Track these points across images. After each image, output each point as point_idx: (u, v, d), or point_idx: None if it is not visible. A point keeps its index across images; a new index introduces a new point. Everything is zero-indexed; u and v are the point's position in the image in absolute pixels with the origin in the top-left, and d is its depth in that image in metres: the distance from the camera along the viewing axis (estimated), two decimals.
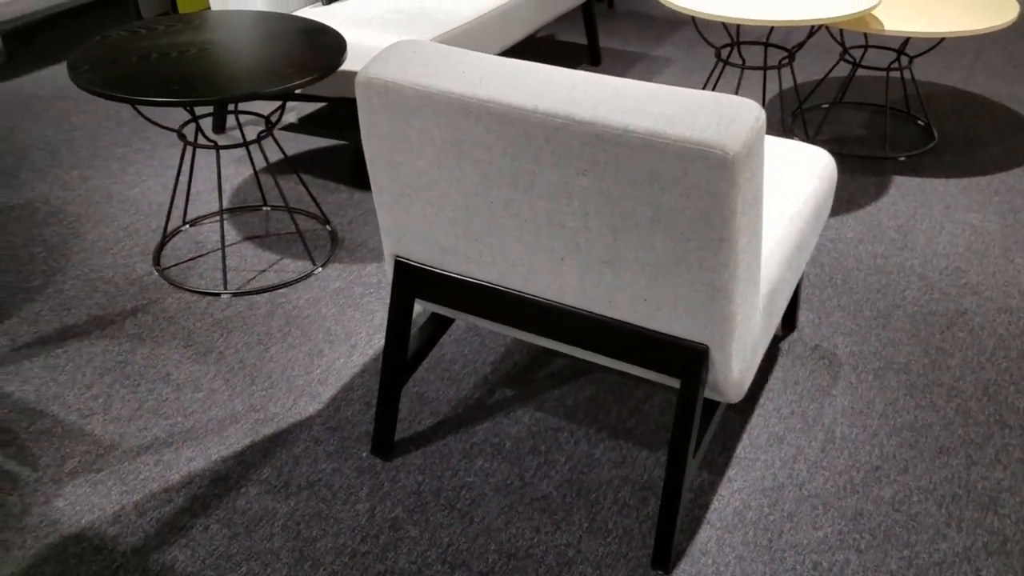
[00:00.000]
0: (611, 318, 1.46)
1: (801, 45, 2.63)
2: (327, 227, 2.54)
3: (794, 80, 2.83)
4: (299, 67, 2.06)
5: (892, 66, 2.73)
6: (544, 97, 1.31)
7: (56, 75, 3.52)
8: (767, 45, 2.74)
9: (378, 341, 2.10)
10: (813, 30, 2.58)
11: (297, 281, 2.31)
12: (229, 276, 2.31)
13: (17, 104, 3.28)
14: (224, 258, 2.26)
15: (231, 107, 3.10)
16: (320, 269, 2.36)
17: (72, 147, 2.96)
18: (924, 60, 3.59)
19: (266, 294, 2.26)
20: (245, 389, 1.95)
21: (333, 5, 2.78)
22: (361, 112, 1.48)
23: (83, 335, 2.10)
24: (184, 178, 2.76)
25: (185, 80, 1.99)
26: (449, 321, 1.88)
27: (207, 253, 2.41)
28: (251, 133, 3.08)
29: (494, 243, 1.50)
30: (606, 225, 1.36)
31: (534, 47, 3.86)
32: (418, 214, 1.55)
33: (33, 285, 2.27)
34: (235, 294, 2.25)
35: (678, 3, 2.49)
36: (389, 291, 2.25)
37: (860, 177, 2.77)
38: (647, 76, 3.53)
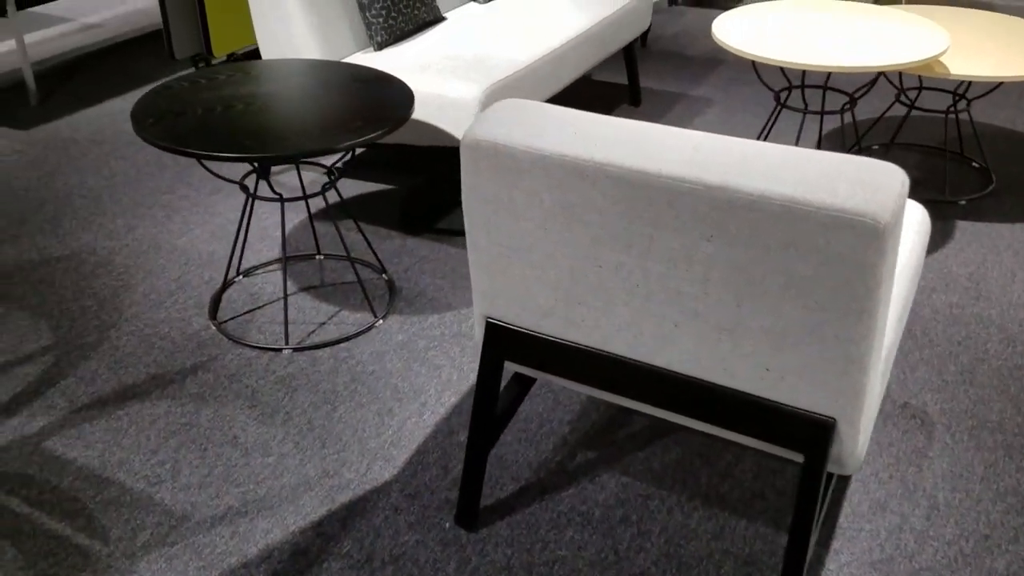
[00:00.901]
0: (727, 387, 1.39)
1: (866, 91, 2.59)
2: (383, 276, 2.47)
3: (854, 123, 2.78)
4: (368, 119, 2.01)
5: (951, 109, 2.69)
6: (668, 161, 1.25)
7: (92, 118, 3.48)
8: (826, 89, 2.69)
9: (448, 398, 2.03)
10: (877, 76, 2.54)
11: (359, 334, 2.24)
12: (288, 329, 2.24)
13: (54, 149, 3.23)
14: (286, 311, 2.19)
15: None
16: (381, 321, 2.29)
17: (114, 194, 2.91)
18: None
19: (328, 348, 2.19)
20: (316, 453, 1.87)
21: (386, 51, 2.73)
22: (465, 173, 1.42)
23: (143, 395, 2.03)
24: (234, 230, 2.70)
25: (254, 134, 1.93)
26: (532, 381, 1.81)
27: (264, 305, 2.35)
28: (306, 180, 3.03)
29: (599, 307, 1.43)
30: (729, 292, 1.29)
31: (572, 89, 3.82)
32: (517, 275, 1.48)
33: (87, 341, 2.20)
34: (297, 349, 2.18)
35: (745, 48, 2.45)
36: (453, 344, 2.18)
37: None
38: (688, 117, 3.49)
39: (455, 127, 2.49)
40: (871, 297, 1.19)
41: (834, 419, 1.33)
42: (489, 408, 1.64)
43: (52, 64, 4.08)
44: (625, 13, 3.23)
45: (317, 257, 2.56)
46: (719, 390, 1.40)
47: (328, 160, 2.95)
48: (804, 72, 2.63)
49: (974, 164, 3.06)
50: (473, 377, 2.10)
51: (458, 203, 2.85)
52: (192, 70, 3.97)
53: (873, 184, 1.16)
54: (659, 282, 1.34)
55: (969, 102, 2.79)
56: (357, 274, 2.28)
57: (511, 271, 1.49)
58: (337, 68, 2.32)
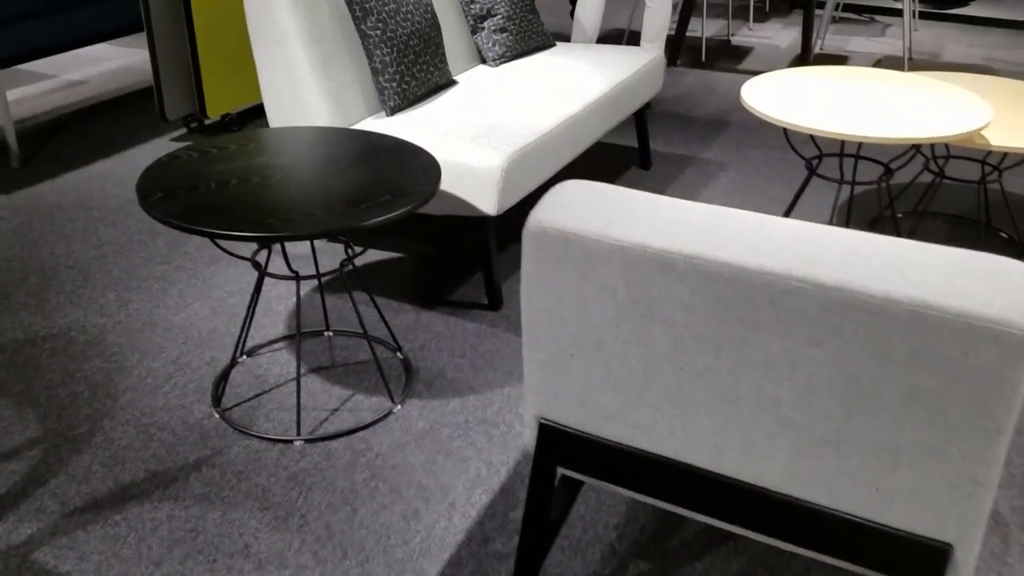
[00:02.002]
0: (826, 508, 1.23)
1: (907, 161, 2.49)
2: (398, 355, 2.31)
3: (889, 194, 2.68)
4: (396, 192, 1.86)
5: (985, 179, 2.61)
6: (771, 255, 1.11)
7: (78, 181, 3.30)
8: (858, 158, 2.59)
9: (479, 497, 1.85)
10: (914, 147, 2.44)
11: (376, 422, 2.06)
12: (300, 416, 2.06)
13: (38, 216, 3.04)
14: (299, 399, 2.01)
15: None
16: (399, 407, 2.11)
17: (104, 265, 2.72)
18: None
19: (343, 438, 2.01)
20: (338, 565, 1.68)
21: (399, 116, 2.60)
22: (526, 262, 1.27)
23: (143, 496, 1.83)
24: (235, 304, 2.53)
25: (275, 209, 1.77)
26: (580, 484, 1.65)
27: (271, 389, 2.16)
28: (316, 247, 2.87)
29: (676, 413, 1.28)
30: (837, 403, 1.14)
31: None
32: (579, 375, 1.33)
33: (79, 433, 2.00)
34: (309, 440, 1.99)
35: (779, 116, 2.34)
36: (479, 433, 2.01)
37: None
38: (703, 181, 3.38)
39: (475, 196, 2.35)
40: (1008, 415, 1.05)
41: (950, 545, 1.17)
42: (542, 519, 1.47)
43: (34, 123, 3.91)
44: (640, 76, 3.13)
45: (326, 334, 2.39)
46: (816, 510, 1.24)
47: None
48: (844, 143, 2.52)
49: (1002, 234, 2.97)
50: (504, 472, 1.92)
51: (472, 273, 2.70)
52: (184, 130, 3.82)
53: (1011, 287, 1.02)
54: (752, 389, 1.19)
55: (1001, 172, 2.71)
56: (374, 354, 2.11)
57: (572, 369, 1.33)
58: (356, 137, 2.18)
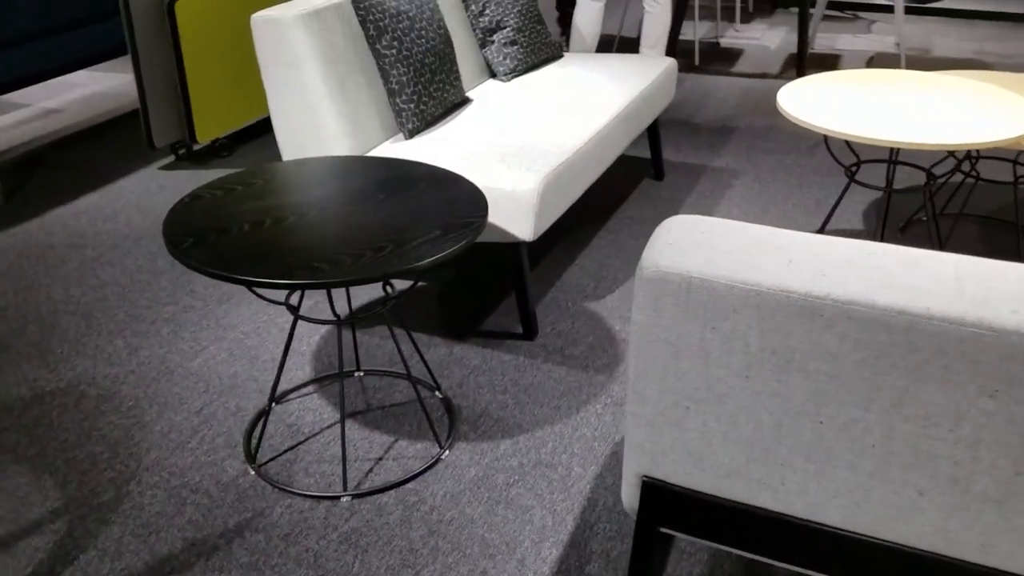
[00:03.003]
0: (977, 563, 1.12)
1: (952, 172, 2.40)
2: (437, 393, 2.17)
3: (932, 201, 2.59)
4: (446, 226, 1.72)
5: (1018, 180, 2.53)
6: (937, 296, 1.00)
7: (66, 217, 3.12)
8: (895, 163, 2.50)
9: (548, 551, 1.72)
10: (961, 155, 2.35)
11: (425, 471, 1.92)
12: (345, 468, 1.91)
13: (28, 257, 2.86)
14: (344, 450, 1.86)
15: None
16: (447, 452, 1.98)
17: (107, 309, 2.55)
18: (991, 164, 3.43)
19: (392, 491, 1.86)
20: None
21: (418, 139, 2.46)
22: (639, 312, 1.15)
23: (184, 569, 1.67)
24: (254, 346, 2.37)
25: (319, 252, 1.63)
26: (672, 538, 1.52)
27: (306, 440, 2.01)
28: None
29: (810, 469, 1.16)
30: (1007, 458, 1.03)
31: None
32: (695, 430, 1.20)
33: (104, 500, 1.84)
34: (357, 495, 1.85)
35: (820, 123, 2.24)
36: (538, 477, 1.87)
37: None
38: (719, 190, 3.28)
39: (510, 222, 2.21)
40: None
41: None
42: None
43: (13, 156, 3.70)
44: (657, 85, 3.02)
45: (357, 374, 2.24)
46: (965, 567, 1.12)
47: None
48: (891, 150, 2.43)
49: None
50: (571, 521, 1.79)
51: (501, 300, 2.57)
52: (172, 158, 3.64)
53: None
54: (906, 443, 1.07)
55: None
56: (418, 394, 1.97)
57: (688, 424, 1.21)
58: (386, 166, 2.03)
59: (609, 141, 2.62)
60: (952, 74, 2.86)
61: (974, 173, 2.62)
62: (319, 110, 2.32)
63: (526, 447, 2.00)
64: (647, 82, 2.93)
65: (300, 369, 2.27)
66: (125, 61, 4.91)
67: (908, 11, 5.94)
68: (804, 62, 4.50)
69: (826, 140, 2.44)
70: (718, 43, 5.31)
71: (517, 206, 2.20)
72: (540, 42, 3.07)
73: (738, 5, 5.76)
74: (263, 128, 3.97)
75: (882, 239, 2.70)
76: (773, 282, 1.06)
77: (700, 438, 1.21)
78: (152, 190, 3.34)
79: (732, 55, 5.07)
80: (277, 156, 3.63)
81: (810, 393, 1.10)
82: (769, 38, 5.42)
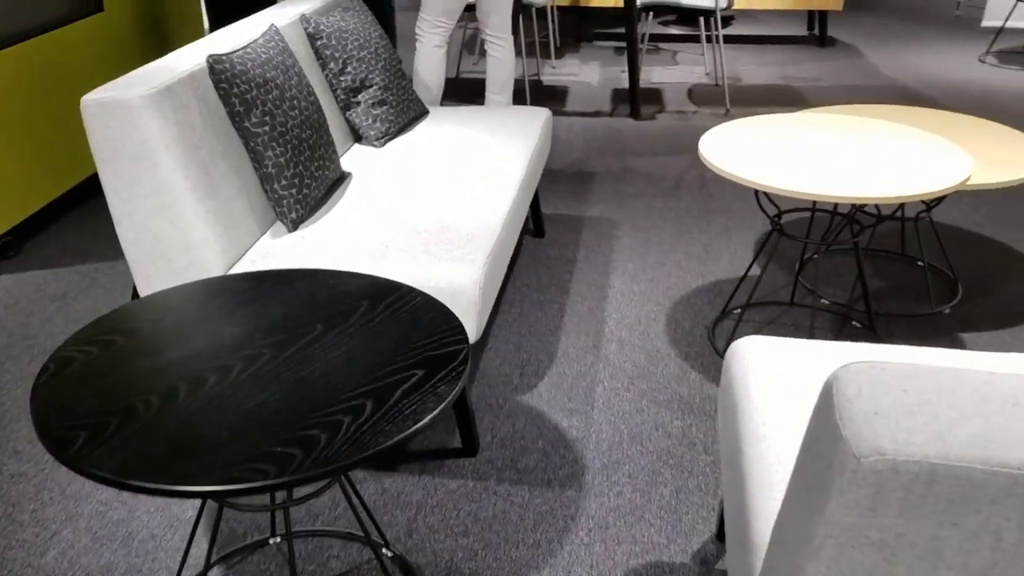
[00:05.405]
0: None
1: (882, 220, 2.29)
2: (386, 551, 1.74)
3: (857, 256, 2.48)
4: (422, 362, 1.33)
5: (918, 216, 2.50)
6: None
7: None
8: (813, 211, 2.37)
9: None
10: (902, 211, 2.25)
11: None
12: None
13: None
14: None
15: None
16: None
17: None
18: None
19: None
20: None
21: (304, 230, 2.02)
22: (847, 511, 0.84)
23: None
24: (121, 519, 1.82)
25: (283, 428, 1.18)
26: None
27: None
28: None
29: None
30: None
31: None
32: None
33: None
34: None
35: (751, 177, 2.04)
36: None
37: (921, 340, 2.45)
38: (604, 242, 3.05)
39: None
40: None
41: None
42: None
43: None
44: (544, 138, 2.75)
45: (272, 541, 1.77)
46: None
47: None
48: (831, 205, 2.28)
49: (919, 263, 2.90)
50: None
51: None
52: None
53: None
54: None
55: (930, 208, 2.60)
56: (380, 560, 1.54)
57: None
58: (310, 282, 1.60)
59: (520, 208, 2.31)
60: (868, 110, 2.80)
61: (872, 209, 2.56)
62: (182, 211, 1.83)
63: None
64: (536, 137, 2.65)
65: (197, 545, 1.76)
66: None
67: (697, 39, 6.10)
68: (637, 98, 4.41)
69: (757, 195, 2.26)
70: (540, 81, 5.15)
71: (456, 304, 1.83)
72: (408, 99, 2.71)
73: (552, 42, 5.65)
74: (52, 215, 3.30)
75: (795, 287, 2.57)
76: None
77: None
78: None
79: (559, 93, 4.92)
80: (83, 250, 3.00)
81: None
82: (587, 73, 5.33)
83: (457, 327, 1.42)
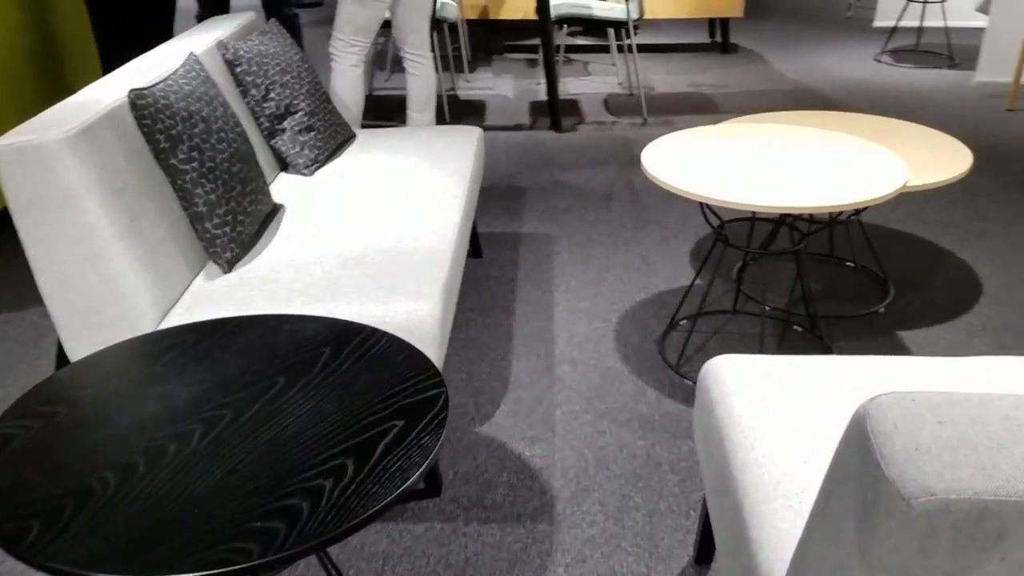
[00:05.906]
0: None
1: (821, 227, 2.31)
2: None
3: (800, 264, 2.49)
4: (399, 411, 1.25)
5: (851, 218, 2.54)
6: None
7: None
8: (754, 219, 2.37)
9: None
10: (835, 215, 2.27)
11: None
12: None
13: None
14: None
15: None
16: None
17: None
18: None
19: None
20: None
21: (241, 270, 1.91)
22: (897, 552, 0.80)
23: None
24: None
25: (256, 500, 1.08)
26: None
27: None
28: None
29: None
30: None
31: None
32: None
33: None
34: None
35: (694, 190, 2.03)
36: None
37: (861, 341, 2.49)
38: (543, 259, 3.01)
39: None
40: None
41: None
42: None
43: None
44: (479, 158, 2.68)
45: None
46: None
47: None
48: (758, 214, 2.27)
49: (848, 264, 2.95)
50: None
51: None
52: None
53: None
54: None
55: (859, 211, 2.64)
56: None
57: None
58: (263, 330, 1.49)
59: (464, 233, 2.24)
60: (796, 117, 2.83)
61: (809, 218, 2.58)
62: (109, 260, 1.70)
63: None
64: (471, 159, 2.58)
65: None
66: None
67: (605, 48, 6.14)
68: (558, 111, 4.40)
69: (703, 207, 2.25)
70: (457, 96, 5.09)
71: (415, 340, 1.75)
72: (335, 123, 2.61)
73: (465, 55, 5.60)
74: None
75: (737, 295, 2.58)
76: None
77: None
78: None
79: (476, 107, 4.87)
80: None
81: None
82: (502, 87, 5.30)
83: (431, 370, 1.34)
